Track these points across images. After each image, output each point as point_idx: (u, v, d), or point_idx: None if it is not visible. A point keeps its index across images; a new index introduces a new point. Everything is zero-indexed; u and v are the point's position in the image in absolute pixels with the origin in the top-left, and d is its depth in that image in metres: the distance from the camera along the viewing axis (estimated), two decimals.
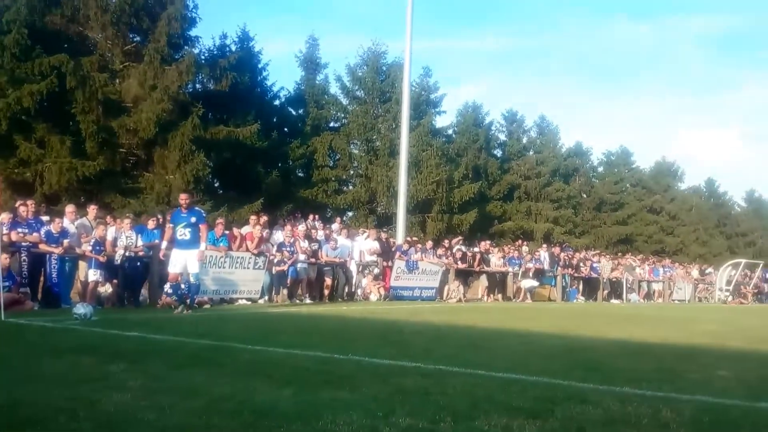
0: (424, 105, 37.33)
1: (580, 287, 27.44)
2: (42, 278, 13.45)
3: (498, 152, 45.41)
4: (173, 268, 12.59)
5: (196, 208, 13.35)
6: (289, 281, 17.36)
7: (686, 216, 52.54)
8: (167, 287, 13.10)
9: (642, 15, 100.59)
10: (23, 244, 12.95)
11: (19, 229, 13.01)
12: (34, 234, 13.17)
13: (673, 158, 58.98)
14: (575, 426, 4.08)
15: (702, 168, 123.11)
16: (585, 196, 49.07)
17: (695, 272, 34.89)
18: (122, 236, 14.54)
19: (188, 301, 12.68)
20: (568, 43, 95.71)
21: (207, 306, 14.23)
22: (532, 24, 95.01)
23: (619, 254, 34.41)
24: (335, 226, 21.71)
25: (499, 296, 23.80)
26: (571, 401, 4.79)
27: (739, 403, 4.99)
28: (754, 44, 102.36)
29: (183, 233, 12.52)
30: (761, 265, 36.44)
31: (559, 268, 26.25)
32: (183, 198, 13.04)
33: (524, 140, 47.00)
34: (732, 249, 51.08)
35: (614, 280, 28.93)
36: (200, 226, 12.71)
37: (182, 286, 13.01)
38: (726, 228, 56.20)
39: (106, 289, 14.12)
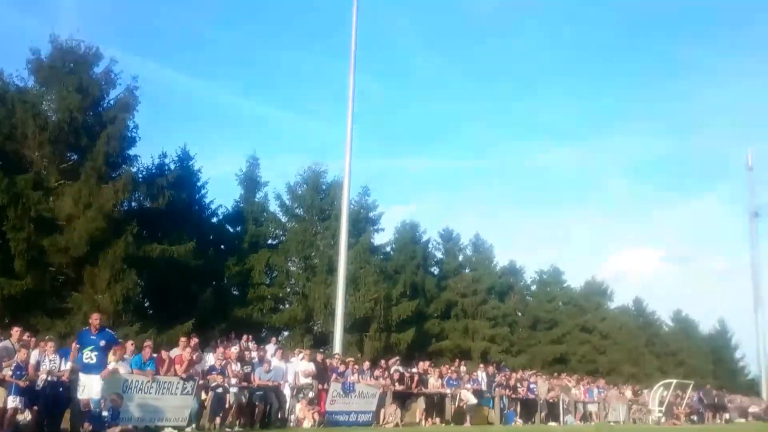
0: (363, 222, 37.84)
1: (518, 409, 27.27)
2: None
3: (435, 269, 45.97)
4: (82, 394, 11.98)
5: (107, 330, 12.77)
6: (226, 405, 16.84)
7: (617, 335, 53.38)
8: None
9: (569, 141, 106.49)
10: None
11: None
12: None
13: (602, 277, 60.65)
14: None
15: (630, 287, 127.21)
16: (520, 314, 49.64)
17: (629, 393, 35.16)
18: (45, 360, 14.00)
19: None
20: (498, 164, 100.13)
21: None
22: (465, 146, 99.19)
23: (555, 374, 34.50)
24: (270, 347, 21.28)
25: (438, 419, 23.41)
26: None
27: None
28: (677, 169, 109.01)
29: (89, 356, 11.93)
30: (691, 385, 37.03)
31: (497, 389, 26.12)
32: (95, 318, 12.39)
33: (460, 258, 47.80)
34: (662, 369, 51.82)
35: (551, 401, 28.88)
36: (111, 348, 12.22)
37: (105, 413, 12.44)
38: (655, 347, 57.26)
39: (26, 416, 13.40)
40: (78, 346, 12.34)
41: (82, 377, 12.01)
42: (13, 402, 12.91)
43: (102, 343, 12.03)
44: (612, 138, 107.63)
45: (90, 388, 11.91)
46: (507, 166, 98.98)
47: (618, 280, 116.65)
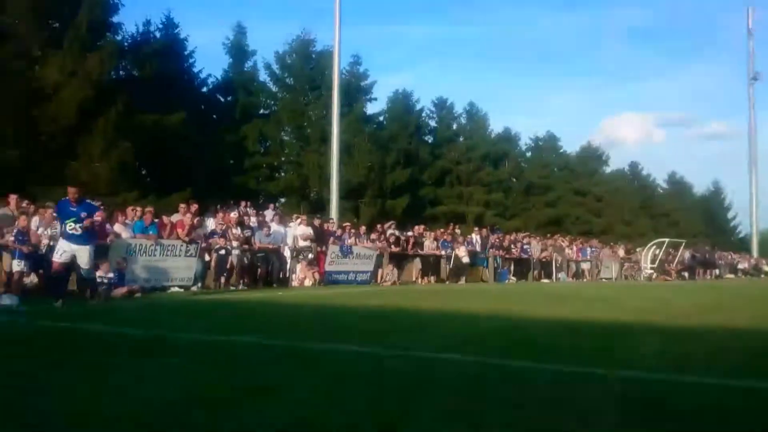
0: (354, 92, 37.24)
1: (512, 268, 27.90)
2: None
3: (429, 138, 45.76)
4: (58, 257, 11.75)
5: (88, 201, 12.42)
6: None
7: (612, 197, 54.04)
8: (97, 276, 12.68)
9: (565, 7, 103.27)
10: None
11: None
12: None
13: (597, 143, 60.62)
14: (511, 404, 4.16)
15: (626, 152, 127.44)
16: (515, 180, 49.96)
17: (621, 251, 35.95)
18: (46, 226, 14.05)
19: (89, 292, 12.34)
20: (493, 32, 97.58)
21: (137, 295, 13.92)
22: (460, 12, 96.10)
23: (549, 235, 35.08)
24: (268, 212, 21.47)
25: (433, 278, 24.02)
26: (507, 380, 4.90)
27: (664, 377, 5.14)
28: (670, 36, 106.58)
29: (74, 228, 11.62)
30: (683, 243, 37.83)
31: (491, 250, 26.65)
32: (72, 192, 11.89)
33: (454, 126, 47.51)
34: (656, 229, 52.66)
35: (544, 260, 29.54)
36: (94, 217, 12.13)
37: (110, 275, 12.71)
38: (650, 209, 58.02)
39: (32, 279, 13.62)
40: (58, 217, 12.14)
41: (63, 243, 11.84)
42: (18, 266, 12.99)
43: (83, 215, 11.83)
44: (610, 4, 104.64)
45: (72, 255, 11.83)
46: (503, 33, 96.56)
47: (613, 145, 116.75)
